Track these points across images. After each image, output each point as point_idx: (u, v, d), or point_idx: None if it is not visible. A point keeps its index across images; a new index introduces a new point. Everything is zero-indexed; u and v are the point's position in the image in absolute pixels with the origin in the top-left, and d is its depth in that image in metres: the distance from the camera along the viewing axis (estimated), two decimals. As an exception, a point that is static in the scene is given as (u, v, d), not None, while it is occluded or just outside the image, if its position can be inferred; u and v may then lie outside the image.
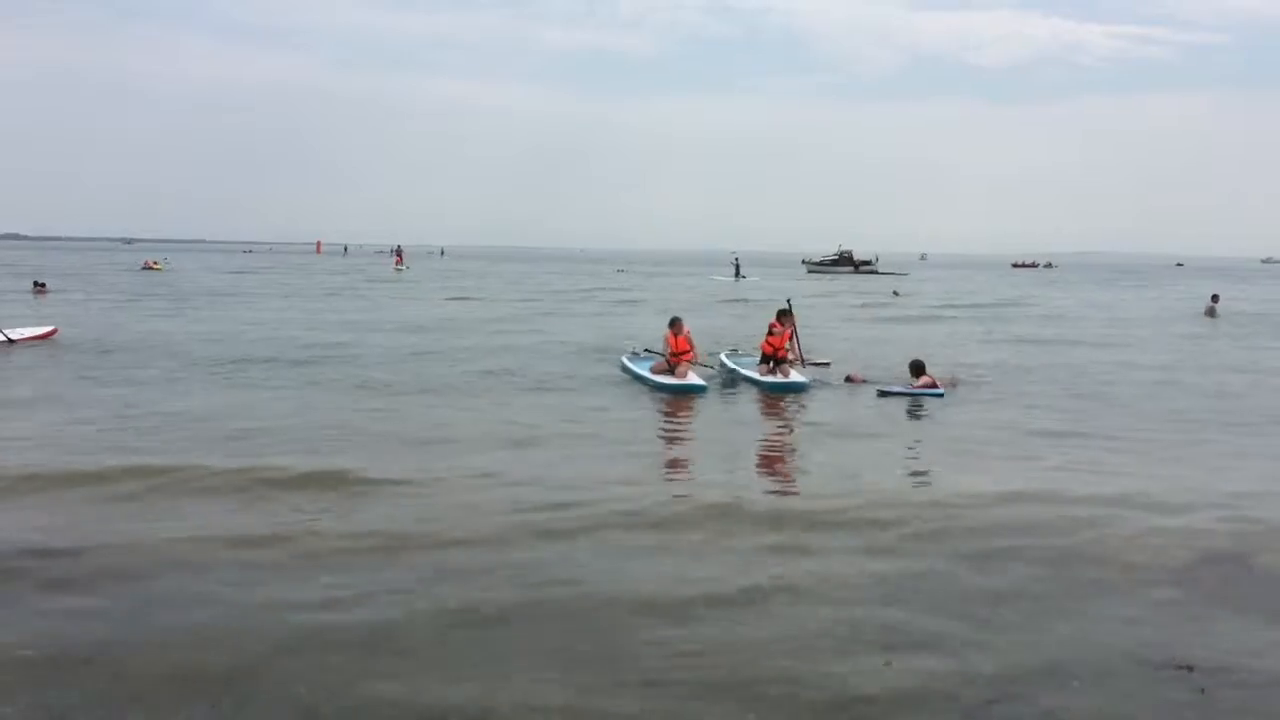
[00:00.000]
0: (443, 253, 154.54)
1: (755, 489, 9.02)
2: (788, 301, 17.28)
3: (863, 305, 39.22)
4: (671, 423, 12.74)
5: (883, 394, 14.55)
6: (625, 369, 16.71)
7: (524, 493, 8.44)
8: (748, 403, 14.31)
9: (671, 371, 15.23)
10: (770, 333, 16.07)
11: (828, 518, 7.83)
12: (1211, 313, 34.81)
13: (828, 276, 79.14)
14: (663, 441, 11.81)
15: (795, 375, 15.45)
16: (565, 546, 7.02)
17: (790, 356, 16.02)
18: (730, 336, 21.72)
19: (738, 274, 68.18)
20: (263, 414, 12.25)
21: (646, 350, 16.78)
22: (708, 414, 13.38)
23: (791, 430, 12.45)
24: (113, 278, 52.06)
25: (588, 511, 7.88)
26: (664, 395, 14.42)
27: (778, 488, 9.38)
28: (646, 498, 8.36)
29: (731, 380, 15.96)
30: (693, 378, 15.02)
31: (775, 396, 14.67)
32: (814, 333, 21.51)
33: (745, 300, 41.08)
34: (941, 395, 14.32)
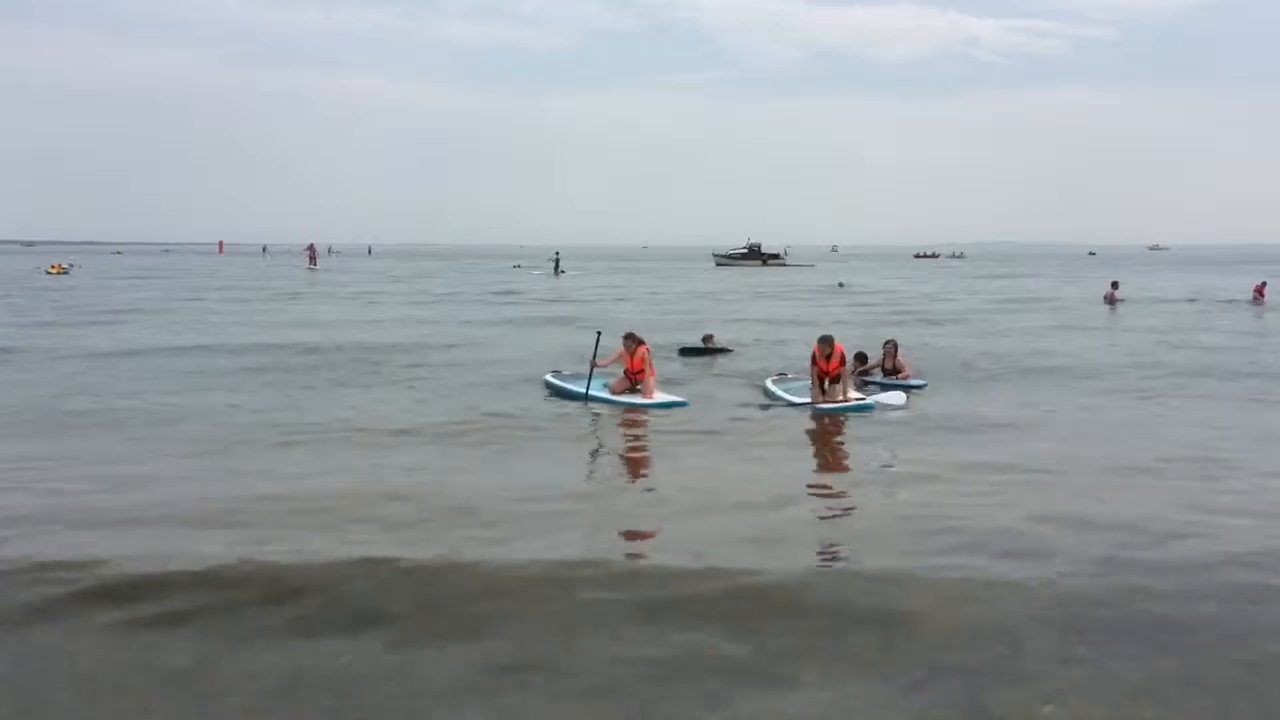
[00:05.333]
0: (370, 251, 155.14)
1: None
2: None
3: (814, 297, 37.97)
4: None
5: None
6: (553, 388, 14.43)
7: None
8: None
9: (634, 389, 13.49)
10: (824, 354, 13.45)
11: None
12: (1110, 300, 33.27)
13: (737, 270, 79.83)
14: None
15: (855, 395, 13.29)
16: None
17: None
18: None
19: (557, 269, 65.92)
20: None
21: (595, 363, 13.83)
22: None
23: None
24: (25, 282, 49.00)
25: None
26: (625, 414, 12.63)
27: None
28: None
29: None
30: (661, 396, 13.26)
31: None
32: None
33: (570, 321, 27.35)
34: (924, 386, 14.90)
